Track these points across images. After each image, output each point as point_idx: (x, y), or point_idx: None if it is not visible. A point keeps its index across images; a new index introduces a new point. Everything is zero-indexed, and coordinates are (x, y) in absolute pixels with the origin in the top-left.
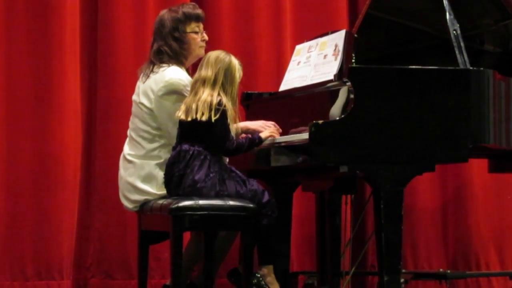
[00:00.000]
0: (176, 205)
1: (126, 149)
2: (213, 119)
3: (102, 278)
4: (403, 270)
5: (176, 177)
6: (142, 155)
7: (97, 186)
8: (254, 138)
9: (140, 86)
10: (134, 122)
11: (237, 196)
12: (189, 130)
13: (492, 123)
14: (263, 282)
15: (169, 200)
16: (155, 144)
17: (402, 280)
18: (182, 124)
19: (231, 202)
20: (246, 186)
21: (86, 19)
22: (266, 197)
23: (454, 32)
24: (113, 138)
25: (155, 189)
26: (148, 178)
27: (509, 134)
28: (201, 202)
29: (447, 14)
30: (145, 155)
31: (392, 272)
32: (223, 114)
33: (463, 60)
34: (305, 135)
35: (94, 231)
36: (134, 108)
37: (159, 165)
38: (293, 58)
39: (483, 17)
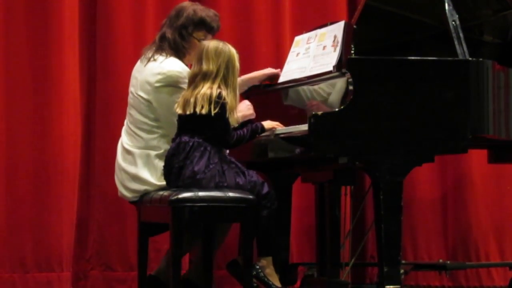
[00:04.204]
0: (175, 197)
1: (125, 139)
2: (213, 112)
3: (102, 270)
4: (403, 261)
5: (175, 168)
6: (142, 146)
7: (97, 178)
8: (256, 128)
9: (138, 77)
10: (131, 113)
11: (236, 187)
12: (188, 123)
13: (492, 113)
14: (262, 274)
15: (168, 192)
16: (154, 135)
17: (401, 271)
18: (180, 117)
19: (231, 194)
20: (246, 178)
21: (85, 10)
22: (265, 188)
23: (453, 22)
24: (112, 129)
25: (154, 179)
26: (147, 168)
27: (509, 124)
28: (201, 193)
29: (446, 4)
30: (144, 146)
31: (391, 263)
32: (223, 107)
33: (462, 51)
34: (304, 127)
35: (93, 223)
36: (131, 99)
37: (158, 155)
38: (292, 49)
39: (482, 7)
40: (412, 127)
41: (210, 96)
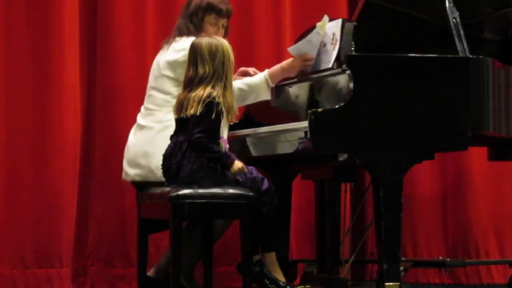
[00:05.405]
0: (175, 193)
1: (141, 120)
2: (198, 111)
3: (102, 266)
4: (403, 258)
5: (173, 169)
6: (160, 120)
7: (97, 174)
8: (227, 157)
9: (160, 61)
10: (152, 94)
11: (236, 184)
12: (183, 123)
13: (492, 111)
14: (265, 270)
15: (168, 188)
16: (171, 109)
17: (401, 268)
18: (176, 118)
19: (231, 190)
20: (245, 174)
21: (85, 7)
22: (265, 184)
23: (454, 20)
24: (113, 126)
25: None
26: (164, 140)
27: (509, 122)
28: (201, 190)
29: (447, 2)
30: (162, 120)
31: (391, 260)
32: (210, 106)
33: (462, 48)
34: (301, 124)
35: (93, 220)
36: (152, 82)
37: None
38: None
39: (482, 5)
40: (412, 124)
41: (201, 97)
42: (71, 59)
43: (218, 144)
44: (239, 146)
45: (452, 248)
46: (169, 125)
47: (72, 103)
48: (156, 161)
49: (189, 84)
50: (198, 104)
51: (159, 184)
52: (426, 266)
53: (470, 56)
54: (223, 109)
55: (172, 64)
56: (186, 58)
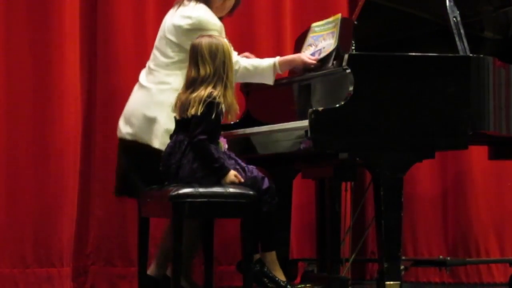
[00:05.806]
0: (176, 192)
1: (142, 79)
2: (199, 112)
3: (102, 265)
4: (403, 257)
5: (173, 168)
6: (158, 81)
7: (97, 173)
8: (222, 167)
9: (167, 22)
10: (155, 54)
11: (236, 183)
12: (184, 123)
13: (492, 110)
14: (266, 269)
15: (169, 187)
16: (171, 71)
17: (402, 267)
18: (175, 118)
19: (231, 189)
20: (246, 173)
21: (86, 6)
22: (266, 183)
23: (454, 19)
24: (113, 125)
25: (164, 116)
26: (160, 105)
27: (509, 121)
28: (201, 189)
29: (447, 0)
30: (160, 81)
31: (392, 259)
32: (210, 106)
33: (463, 47)
34: (301, 123)
35: (94, 219)
36: (157, 43)
37: (172, 90)
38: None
39: (483, 4)
40: (413, 123)
41: (202, 96)
42: (71, 59)
43: (218, 143)
44: (239, 145)
45: (452, 247)
46: (165, 89)
47: (72, 103)
48: (148, 125)
49: (191, 85)
50: (199, 104)
51: (146, 147)
52: (426, 265)
53: (471, 55)
54: (223, 109)
55: (177, 29)
56: (190, 27)
